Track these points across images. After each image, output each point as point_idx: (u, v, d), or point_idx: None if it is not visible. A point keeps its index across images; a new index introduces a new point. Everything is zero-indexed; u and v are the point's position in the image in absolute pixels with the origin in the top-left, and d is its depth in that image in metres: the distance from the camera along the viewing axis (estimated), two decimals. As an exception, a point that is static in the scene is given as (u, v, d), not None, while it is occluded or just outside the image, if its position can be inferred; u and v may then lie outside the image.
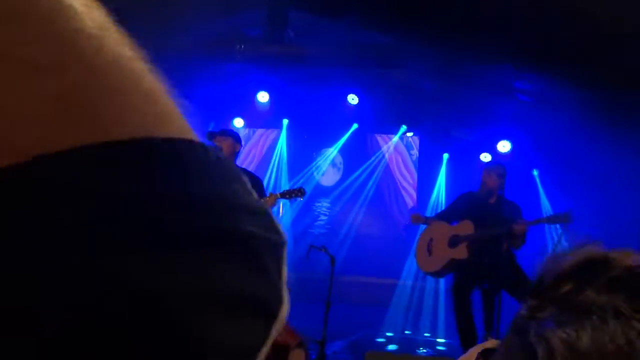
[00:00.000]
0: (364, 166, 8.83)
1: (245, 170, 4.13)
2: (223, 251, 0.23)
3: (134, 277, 0.20)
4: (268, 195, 3.85)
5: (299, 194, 3.83)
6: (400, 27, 5.27)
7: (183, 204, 0.22)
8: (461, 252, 4.03)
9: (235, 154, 4.04)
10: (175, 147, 0.24)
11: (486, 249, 3.87)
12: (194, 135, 0.26)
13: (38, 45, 0.21)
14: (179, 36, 5.82)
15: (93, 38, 0.23)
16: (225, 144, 3.96)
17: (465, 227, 4.12)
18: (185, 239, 0.22)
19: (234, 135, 4.04)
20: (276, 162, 8.84)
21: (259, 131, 9.00)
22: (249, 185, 0.26)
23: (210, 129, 8.72)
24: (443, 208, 7.82)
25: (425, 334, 5.38)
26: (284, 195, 3.84)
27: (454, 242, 4.13)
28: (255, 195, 0.27)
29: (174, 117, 0.26)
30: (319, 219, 8.83)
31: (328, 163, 8.99)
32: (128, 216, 0.20)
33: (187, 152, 0.24)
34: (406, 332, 5.57)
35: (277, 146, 8.85)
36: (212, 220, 0.23)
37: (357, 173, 8.87)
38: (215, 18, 5.70)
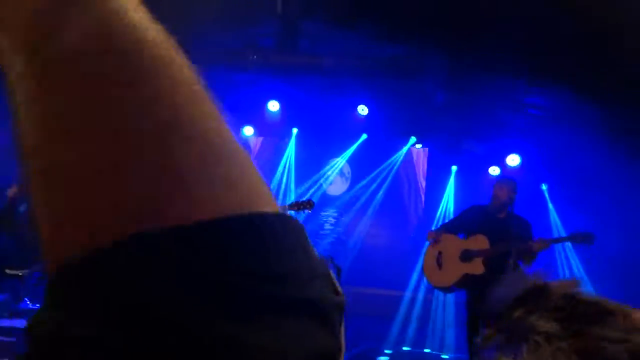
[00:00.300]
0: (372, 176, 8.82)
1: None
2: (303, 315, 0.28)
3: (249, 341, 0.25)
4: (279, 207, 3.86)
5: (308, 206, 3.83)
6: (412, 39, 5.29)
7: (274, 279, 0.27)
8: (477, 268, 3.97)
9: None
10: (265, 221, 0.28)
11: (499, 265, 3.82)
12: (274, 202, 0.32)
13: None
14: (192, 46, 5.86)
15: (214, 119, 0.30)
16: None
17: (479, 242, 4.06)
18: (278, 308, 0.27)
19: (246, 147, 4.09)
20: (285, 170, 8.86)
21: (268, 139, 9.03)
22: (312, 247, 0.31)
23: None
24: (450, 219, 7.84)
25: (426, 350, 5.33)
26: (292, 207, 3.84)
27: (467, 256, 4.07)
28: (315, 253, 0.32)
29: (261, 191, 0.31)
30: (326, 228, 8.82)
31: (336, 173, 8.99)
32: (237, 289, 0.26)
33: (273, 226, 0.29)
34: (408, 347, 5.52)
35: (286, 154, 8.87)
36: (295, 292, 0.28)
37: (364, 183, 8.86)
38: (229, 28, 5.76)
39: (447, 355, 5.01)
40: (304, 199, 3.89)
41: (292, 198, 8.71)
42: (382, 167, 8.78)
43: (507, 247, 3.81)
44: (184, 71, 0.31)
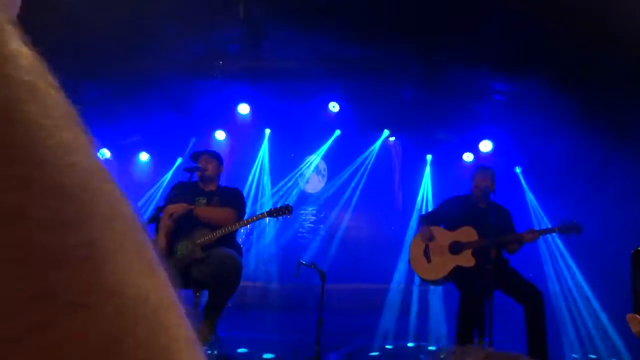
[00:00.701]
0: (349, 171, 8.84)
1: (227, 189, 4.12)
2: None
3: None
4: (255, 215, 3.83)
5: (286, 212, 3.80)
6: (376, 38, 5.30)
7: None
8: (467, 260, 4.00)
9: (219, 175, 4.06)
10: None
11: (484, 256, 3.85)
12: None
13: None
14: (158, 55, 5.79)
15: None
16: (211, 165, 3.98)
17: (468, 234, 4.09)
18: None
19: (219, 158, 4.07)
20: (259, 171, 8.79)
21: (241, 142, 8.93)
22: None
23: (191, 144, 8.69)
24: (430, 209, 7.90)
25: (411, 343, 5.38)
26: (270, 213, 3.81)
27: (456, 249, 4.08)
28: None
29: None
30: (306, 226, 8.81)
31: (312, 170, 8.97)
32: None
33: None
34: (393, 342, 5.56)
35: (259, 155, 8.80)
36: None
37: (341, 178, 8.87)
38: (193, 35, 5.68)
39: (433, 346, 5.05)
40: (281, 205, 3.85)
41: (267, 197, 8.67)
42: (357, 161, 8.80)
43: (498, 239, 3.83)
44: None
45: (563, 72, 5.13)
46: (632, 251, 1.11)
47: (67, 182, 0.23)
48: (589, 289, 6.44)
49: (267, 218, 3.86)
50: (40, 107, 0.24)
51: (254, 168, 8.78)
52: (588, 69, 4.83)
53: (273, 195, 8.61)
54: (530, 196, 7.81)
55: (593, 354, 4.97)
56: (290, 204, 3.93)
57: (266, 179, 8.76)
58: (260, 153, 8.78)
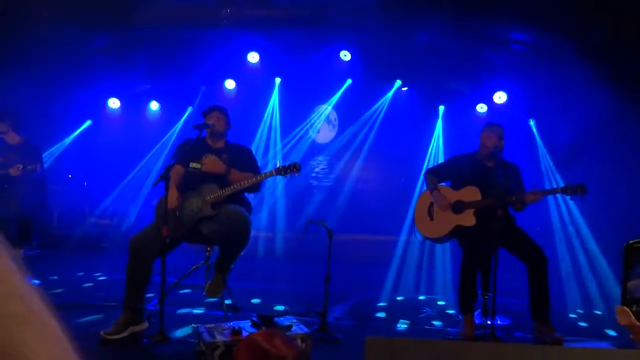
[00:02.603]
0: (359, 122, 8.75)
1: (237, 146, 4.12)
2: None
3: None
4: (263, 173, 3.83)
5: (294, 169, 3.79)
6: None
7: None
8: (468, 219, 4.00)
9: (227, 130, 4.04)
10: None
11: (489, 215, 3.85)
12: None
13: None
14: (167, 4, 5.64)
15: None
16: (221, 122, 3.95)
17: (471, 193, 4.04)
18: None
19: (227, 114, 4.03)
20: (269, 120, 8.74)
21: (251, 91, 8.82)
22: None
23: (201, 92, 8.61)
24: (440, 161, 7.85)
25: (421, 297, 5.50)
26: (279, 171, 3.80)
27: (458, 208, 4.08)
28: None
29: None
30: (316, 177, 8.85)
31: (323, 120, 8.90)
32: None
33: None
34: (403, 294, 5.69)
35: (269, 105, 8.72)
36: None
37: (352, 128, 8.80)
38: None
39: (443, 301, 5.17)
40: (289, 163, 3.84)
41: (278, 149, 8.67)
42: (369, 112, 8.68)
43: (501, 200, 3.79)
44: None
45: (584, 28, 4.91)
46: (624, 245, 1.11)
47: None
48: (596, 247, 6.48)
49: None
50: None
51: (265, 118, 8.73)
52: (612, 27, 4.62)
53: (284, 146, 8.61)
54: (543, 151, 7.72)
55: (598, 310, 5.06)
56: (299, 161, 3.90)
57: (277, 130, 8.72)
58: (271, 102, 8.69)
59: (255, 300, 4.67)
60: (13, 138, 5.20)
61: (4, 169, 5.03)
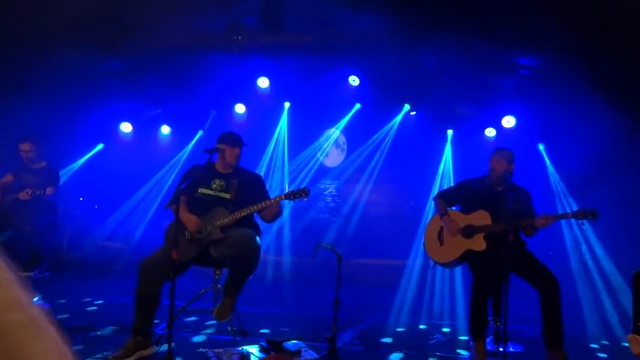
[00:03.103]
0: (368, 146, 8.78)
1: (246, 172, 4.14)
2: None
3: None
4: (272, 198, 3.84)
5: (303, 194, 3.81)
6: (398, 11, 5.16)
7: None
8: (479, 244, 3.98)
9: (239, 158, 4.07)
10: None
11: (500, 240, 3.81)
12: None
13: None
14: (179, 30, 5.77)
15: None
16: (231, 153, 3.97)
17: (481, 218, 4.02)
18: None
19: (240, 147, 4.03)
20: (277, 145, 8.79)
21: (260, 115, 8.90)
22: None
23: (211, 116, 8.71)
24: (451, 185, 7.83)
25: (423, 325, 5.43)
26: (288, 196, 3.82)
27: (468, 232, 4.06)
28: None
29: None
30: (325, 201, 8.86)
31: (331, 144, 8.95)
32: None
33: None
34: (413, 318, 5.62)
35: (278, 128, 8.78)
36: None
37: (361, 153, 8.82)
38: (212, 9, 5.63)
39: (447, 328, 5.09)
40: (299, 187, 3.86)
41: (285, 171, 8.70)
42: (377, 135, 8.73)
43: (511, 224, 3.75)
44: None
45: (591, 49, 4.95)
46: (634, 273, 1.10)
47: None
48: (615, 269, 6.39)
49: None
50: None
51: (273, 142, 8.78)
52: (618, 46, 4.65)
53: (292, 171, 8.64)
54: (554, 175, 7.68)
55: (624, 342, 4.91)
56: (307, 186, 3.92)
57: (285, 154, 8.77)
58: (279, 127, 8.76)
59: (264, 329, 4.62)
60: (38, 163, 5.34)
61: (18, 192, 5.12)
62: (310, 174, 8.70)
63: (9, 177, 5.46)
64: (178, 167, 8.45)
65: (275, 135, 8.80)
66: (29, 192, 5.02)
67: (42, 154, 5.41)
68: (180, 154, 8.64)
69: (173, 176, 8.32)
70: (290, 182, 8.42)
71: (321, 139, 8.89)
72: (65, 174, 8.03)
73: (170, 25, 5.83)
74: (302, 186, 3.90)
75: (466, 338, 4.54)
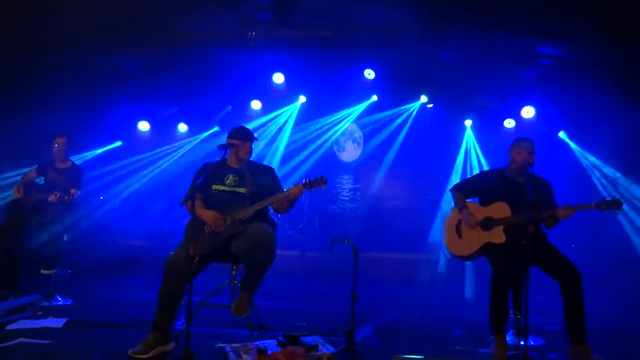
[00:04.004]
0: (385, 139, 8.70)
1: (258, 166, 4.15)
2: None
3: None
4: (293, 187, 3.82)
5: (321, 183, 3.79)
6: (415, 2, 5.10)
7: None
8: (498, 236, 3.90)
9: (251, 152, 4.09)
10: None
11: (519, 232, 3.74)
12: None
13: None
14: (193, 28, 5.80)
15: None
16: (243, 148, 3.98)
17: (501, 210, 3.95)
18: None
19: (251, 141, 4.05)
20: (290, 139, 8.77)
21: (276, 110, 8.89)
22: None
23: (224, 111, 8.73)
24: (468, 176, 7.72)
25: (443, 315, 5.36)
26: (306, 185, 3.81)
27: (487, 224, 4.00)
28: None
29: None
30: (341, 196, 8.83)
31: (348, 138, 8.91)
32: None
33: None
34: (431, 311, 5.56)
35: (288, 122, 8.74)
36: None
37: (378, 146, 8.76)
38: (225, 6, 5.65)
39: (467, 322, 5.03)
40: (315, 177, 3.84)
41: (301, 166, 8.68)
42: (394, 127, 8.65)
43: (531, 216, 3.68)
44: None
45: (611, 39, 4.81)
46: None
47: None
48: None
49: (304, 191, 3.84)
50: None
51: (285, 136, 8.73)
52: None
53: (309, 165, 8.63)
54: (580, 156, 7.53)
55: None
56: (325, 175, 3.89)
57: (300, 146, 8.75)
58: (290, 120, 8.72)
59: (281, 324, 4.62)
60: (64, 162, 5.46)
61: (45, 193, 5.25)
62: (328, 170, 8.66)
63: (32, 174, 5.60)
64: (196, 165, 8.50)
65: (287, 130, 8.71)
66: (57, 195, 5.16)
67: (69, 153, 5.58)
68: (191, 144, 8.65)
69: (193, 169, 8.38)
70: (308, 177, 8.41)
71: (338, 133, 8.85)
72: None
73: (185, 23, 5.88)
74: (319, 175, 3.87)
75: (486, 332, 4.48)
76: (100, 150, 8.43)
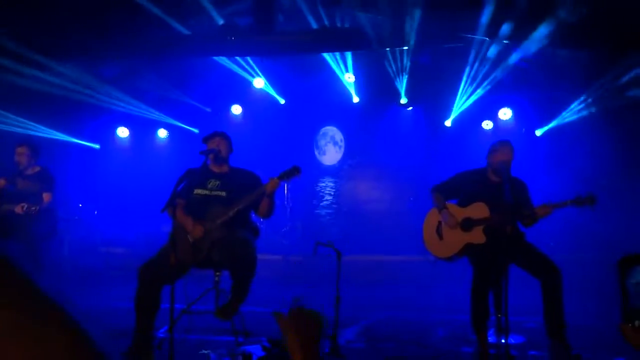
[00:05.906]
0: (365, 142, 8.76)
1: (240, 171, 4.14)
2: None
3: None
4: (268, 180, 3.81)
5: (296, 172, 3.80)
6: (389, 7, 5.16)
7: None
8: (478, 237, 3.94)
9: (229, 154, 4.08)
10: None
11: (498, 232, 3.79)
12: None
13: None
14: (173, 32, 5.76)
15: None
16: (224, 146, 3.98)
17: (479, 210, 4.00)
18: None
19: (229, 138, 4.07)
20: (273, 143, 8.73)
21: (255, 114, 8.87)
22: None
23: (208, 118, 8.69)
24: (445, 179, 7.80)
25: (427, 316, 5.41)
26: (282, 177, 3.81)
27: (467, 225, 4.05)
28: None
29: None
30: (324, 199, 8.85)
31: (328, 142, 8.94)
32: None
33: None
34: (417, 312, 5.60)
35: (273, 127, 8.71)
36: None
37: (359, 149, 8.81)
38: (205, 11, 5.63)
39: (450, 323, 5.08)
40: (289, 167, 3.84)
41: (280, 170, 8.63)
42: (374, 131, 8.71)
43: (510, 216, 3.73)
44: None
45: (584, 39, 4.94)
46: (618, 260, 1.09)
47: None
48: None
49: (285, 188, 3.86)
50: None
51: (269, 141, 8.71)
52: (616, 36, 4.64)
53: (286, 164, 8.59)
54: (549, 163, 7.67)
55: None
56: (297, 165, 3.89)
57: (281, 151, 8.72)
58: (274, 124, 8.69)
59: (266, 329, 4.61)
60: (32, 168, 5.32)
61: (15, 203, 5.10)
62: (309, 174, 8.66)
63: (1, 182, 5.44)
64: (177, 170, 8.42)
65: (271, 133, 8.66)
66: (24, 207, 5.01)
67: (38, 160, 5.40)
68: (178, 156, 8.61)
69: (172, 175, 8.30)
70: (289, 182, 8.39)
71: (318, 137, 8.88)
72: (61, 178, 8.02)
73: (164, 28, 5.84)
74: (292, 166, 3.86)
75: (469, 332, 4.53)
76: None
